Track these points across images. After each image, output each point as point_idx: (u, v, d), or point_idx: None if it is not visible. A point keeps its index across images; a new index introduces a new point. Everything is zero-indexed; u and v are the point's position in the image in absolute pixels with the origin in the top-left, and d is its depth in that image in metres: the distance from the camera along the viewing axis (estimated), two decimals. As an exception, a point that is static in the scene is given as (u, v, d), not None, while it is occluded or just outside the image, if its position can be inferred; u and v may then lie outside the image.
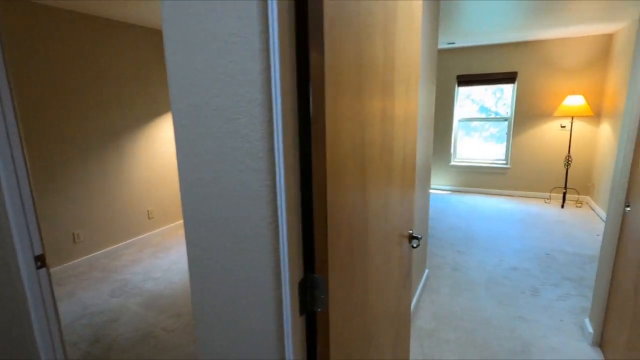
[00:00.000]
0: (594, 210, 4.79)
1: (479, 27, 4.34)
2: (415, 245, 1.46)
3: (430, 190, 6.10)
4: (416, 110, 1.44)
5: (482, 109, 5.93)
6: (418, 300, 2.66)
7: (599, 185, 4.75)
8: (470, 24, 4.14)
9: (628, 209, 1.88)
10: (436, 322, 2.42)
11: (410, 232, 1.53)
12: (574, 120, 4.91)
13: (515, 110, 5.47)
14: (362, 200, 0.97)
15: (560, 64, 5.09)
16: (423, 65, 2.29)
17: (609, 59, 4.74)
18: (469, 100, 5.98)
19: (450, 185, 6.12)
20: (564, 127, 5.09)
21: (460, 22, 4.07)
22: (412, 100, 1.39)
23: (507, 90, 5.65)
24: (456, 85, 5.82)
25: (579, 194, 5.21)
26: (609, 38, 4.79)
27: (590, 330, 2.18)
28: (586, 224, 4.27)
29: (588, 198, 5.14)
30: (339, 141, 0.81)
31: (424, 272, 2.96)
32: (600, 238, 3.84)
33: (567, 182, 5.06)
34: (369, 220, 1.03)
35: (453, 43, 5.21)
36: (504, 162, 5.76)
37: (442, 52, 5.78)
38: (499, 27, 4.30)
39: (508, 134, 5.65)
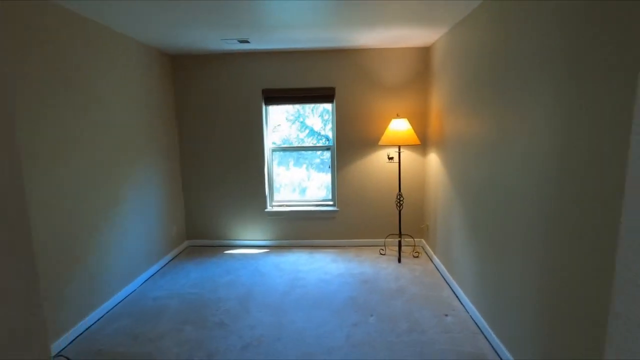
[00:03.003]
0: (432, 260, 3.85)
1: (272, 17, 2.80)
2: None
3: (239, 251, 4.33)
4: None
5: (312, 132, 4.55)
6: None
7: (433, 226, 3.84)
8: (256, 10, 2.54)
9: None
10: None
11: None
12: (401, 149, 3.94)
13: (336, 136, 4.24)
14: None
15: (381, 80, 4.10)
16: None
17: (430, 76, 3.96)
18: (298, 123, 4.53)
19: (268, 240, 4.45)
20: (391, 158, 4.08)
21: (242, 7, 2.42)
22: None
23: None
24: (263, 103, 4.24)
25: (414, 238, 4.28)
26: (426, 52, 4.03)
27: None
28: (429, 292, 3.15)
29: (423, 242, 4.26)
30: None
31: None
32: (450, 320, 2.70)
33: (401, 227, 4.07)
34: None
35: (247, 41, 3.59)
36: (331, 203, 4.46)
37: (237, 55, 4.12)
38: (298, 20, 2.85)
39: (333, 167, 4.39)
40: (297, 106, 4.43)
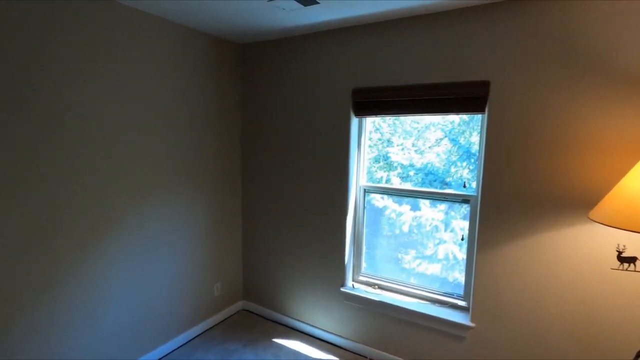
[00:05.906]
0: None
1: None
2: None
3: (294, 343, 2.43)
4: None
5: (468, 155, 2.49)
6: None
7: None
8: None
9: None
10: None
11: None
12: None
13: (484, 179, 2.09)
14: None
15: (603, 65, 1.71)
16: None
17: None
18: (448, 141, 2.57)
19: (339, 336, 2.70)
20: (631, 260, 1.59)
21: None
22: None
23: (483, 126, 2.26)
24: (351, 112, 2.53)
25: None
26: None
27: None
28: None
29: None
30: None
31: None
32: None
33: None
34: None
35: (316, 1, 1.99)
36: (464, 304, 2.32)
37: (313, 37, 2.55)
38: None
39: (471, 239, 2.25)
40: (386, 119, 2.48)
